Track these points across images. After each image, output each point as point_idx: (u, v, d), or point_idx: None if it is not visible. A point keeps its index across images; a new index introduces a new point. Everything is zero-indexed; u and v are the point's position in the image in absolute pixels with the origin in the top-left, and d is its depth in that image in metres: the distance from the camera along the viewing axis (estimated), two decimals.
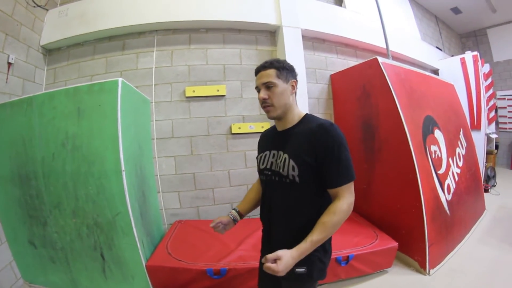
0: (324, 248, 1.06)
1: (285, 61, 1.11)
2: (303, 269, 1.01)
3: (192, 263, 1.97)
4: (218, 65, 3.11)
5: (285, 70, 1.08)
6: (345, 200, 0.97)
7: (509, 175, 5.74)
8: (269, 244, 1.16)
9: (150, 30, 3.03)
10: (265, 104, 1.08)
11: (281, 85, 1.06)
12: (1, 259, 2.15)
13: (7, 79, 2.42)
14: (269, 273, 0.88)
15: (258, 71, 1.10)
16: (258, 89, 1.11)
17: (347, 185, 0.98)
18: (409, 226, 2.39)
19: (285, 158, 1.04)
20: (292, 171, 1.01)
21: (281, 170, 1.05)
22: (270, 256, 0.89)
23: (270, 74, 1.06)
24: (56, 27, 2.95)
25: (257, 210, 3.21)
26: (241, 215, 1.31)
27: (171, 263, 1.98)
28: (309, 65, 3.36)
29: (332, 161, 0.97)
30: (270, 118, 1.11)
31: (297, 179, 1.00)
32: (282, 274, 0.87)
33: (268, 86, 1.06)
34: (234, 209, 1.33)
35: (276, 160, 1.09)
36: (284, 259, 0.88)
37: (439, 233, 2.39)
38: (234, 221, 1.28)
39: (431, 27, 5.85)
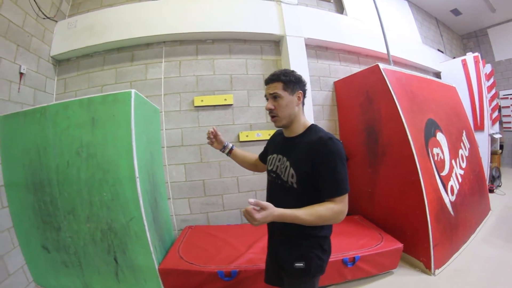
0: (322, 247, 1.13)
1: (292, 72, 1.16)
2: (302, 264, 1.10)
3: (203, 265, 2.02)
4: (225, 75, 3.18)
5: (292, 83, 1.13)
6: (338, 206, 1.00)
7: None
8: (272, 236, 1.28)
9: (158, 42, 3.12)
10: (271, 114, 1.17)
11: (287, 97, 1.13)
12: (14, 262, 2.20)
13: (19, 88, 2.49)
14: (247, 219, 0.92)
15: (266, 82, 1.19)
16: (266, 97, 1.19)
17: (341, 197, 1.02)
18: (413, 228, 2.42)
19: (287, 166, 1.13)
20: (291, 178, 1.10)
21: (282, 176, 1.15)
22: (259, 202, 0.92)
23: (277, 86, 1.13)
24: (65, 38, 3.04)
25: None
26: (231, 151, 1.53)
27: (183, 266, 2.03)
28: (313, 73, 3.42)
29: (327, 173, 1.02)
30: (277, 127, 1.20)
31: (295, 185, 1.09)
32: (256, 223, 0.91)
33: (275, 96, 1.14)
34: (233, 146, 1.55)
35: (280, 165, 1.18)
36: (266, 212, 0.92)
37: (443, 234, 2.41)
38: (223, 148, 1.51)
39: (432, 30, 5.87)
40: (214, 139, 1.47)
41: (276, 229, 1.22)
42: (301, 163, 1.08)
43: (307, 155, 1.06)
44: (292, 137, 1.18)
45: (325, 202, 1.02)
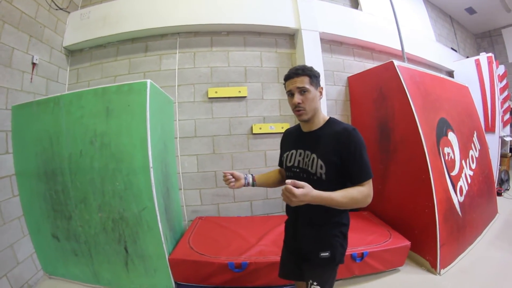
0: (344, 234, 1.19)
1: (313, 68, 1.18)
2: (327, 253, 1.13)
3: (214, 257, 2.04)
4: (239, 67, 3.18)
5: (315, 78, 1.16)
6: (367, 190, 1.07)
7: None
8: (294, 234, 1.28)
9: (172, 33, 3.12)
10: (298, 108, 1.15)
11: (313, 91, 1.15)
12: (23, 251, 2.23)
13: (31, 78, 2.51)
14: (286, 200, 0.94)
15: (290, 77, 1.16)
16: (290, 93, 1.17)
17: (368, 181, 1.09)
18: (421, 226, 2.42)
19: (314, 158, 1.13)
20: (320, 169, 1.11)
21: (309, 168, 1.14)
22: (296, 182, 0.94)
23: (304, 81, 1.13)
24: (78, 29, 3.05)
25: (278, 208, 2.94)
26: (254, 182, 1.39)
27: (193, 256, 2.06)
28: (327, 68, 3.39)
29: (356, 162, 1.08)
30: (301, 120, 1.20)
31: (323, 176, 1.10)
32: (295, 200, 0.92)
33: (303, 91, 1.13)
34: (251, 174, 1.41)
35: (303, 159, 1.18)
36: (305, 190, 0.94)
37: (450, 234, 2.41)
38: (245, 180, 1.35)
39: (446, 28, 5.79)
40: (233, 179, 1.32)
41: (302, 218, 1.22)
42: (329, 154, 1.10)
43: (335, 145, 1.10)
44: (314, 131, 1.20)
45: (355, 186, 1.08)
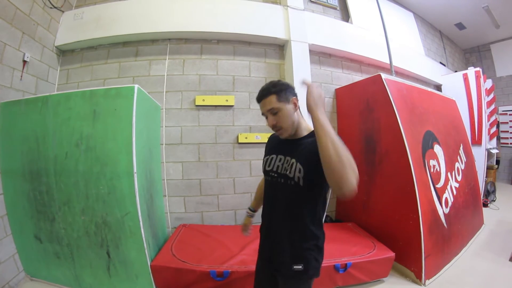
0: (319, 247, 1.14)
1: (279, 82, 1.15)
2: (300, 266, 1.10)
3: (196, 264, 2.02)
4: (228, 76, 3.20)
5: (283, 92, 1.12)
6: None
7: (510, 191, 5.74)
8: (268, 238, 1.26)
9: (163, 39, 3.13)
10: (276, 128, 1.15)
11: (284, 108, 1.11)
12: (5, 251, 2.18)
13: (21, 76, 2.48)
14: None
15: (259, 100, 1.17)
16: (265, 115, 1.17)
17: None
18: (406, 237, 2.44)
19: (293, 162, 1.11)
20: (298, 173, 1.08)
21: (287, 172, 1.12)
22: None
23: (272, 101, 1.11)
24: (71, 29, 3.04)
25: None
26: (255, 211, 1.60)
27: (175, 264, 2.04)
28: (315, 79, 3.43)
29: None
30: (284, 138, 1.18)
31: (301, 181, 1.07)
32: (315, 95, 0.95)
33: (273, 112, 1.12)
34: (249, 208, 1.61)
35: (283, 164, 1.16)
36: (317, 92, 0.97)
37: (435, 245, 2.43)
38: (249, 214, 1.60)
39: (435, 42, 5.92)
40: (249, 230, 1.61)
41: (275, 225, 1.21)
42: (307, 158, 1.05)
43: (313, 151, 0.97)
44: (297, 139, 1.17)
45: None
